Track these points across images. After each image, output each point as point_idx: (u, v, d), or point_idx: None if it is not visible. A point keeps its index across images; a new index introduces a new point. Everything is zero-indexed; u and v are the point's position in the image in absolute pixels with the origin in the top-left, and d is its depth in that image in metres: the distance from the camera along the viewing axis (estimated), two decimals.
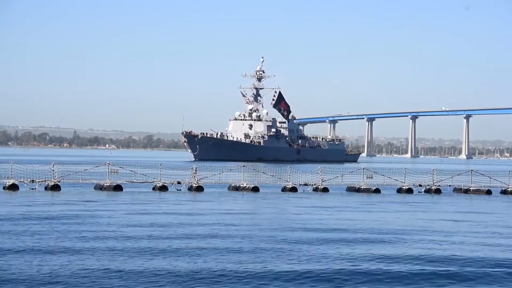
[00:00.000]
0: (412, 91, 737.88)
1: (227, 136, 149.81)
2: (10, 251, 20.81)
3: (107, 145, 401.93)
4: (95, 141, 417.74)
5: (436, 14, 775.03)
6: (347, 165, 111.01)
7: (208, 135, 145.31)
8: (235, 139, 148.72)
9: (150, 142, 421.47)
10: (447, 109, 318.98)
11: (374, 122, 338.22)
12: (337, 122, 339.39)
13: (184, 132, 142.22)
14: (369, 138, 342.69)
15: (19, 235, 24.21)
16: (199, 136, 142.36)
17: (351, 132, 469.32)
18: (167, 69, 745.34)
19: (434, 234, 27.68)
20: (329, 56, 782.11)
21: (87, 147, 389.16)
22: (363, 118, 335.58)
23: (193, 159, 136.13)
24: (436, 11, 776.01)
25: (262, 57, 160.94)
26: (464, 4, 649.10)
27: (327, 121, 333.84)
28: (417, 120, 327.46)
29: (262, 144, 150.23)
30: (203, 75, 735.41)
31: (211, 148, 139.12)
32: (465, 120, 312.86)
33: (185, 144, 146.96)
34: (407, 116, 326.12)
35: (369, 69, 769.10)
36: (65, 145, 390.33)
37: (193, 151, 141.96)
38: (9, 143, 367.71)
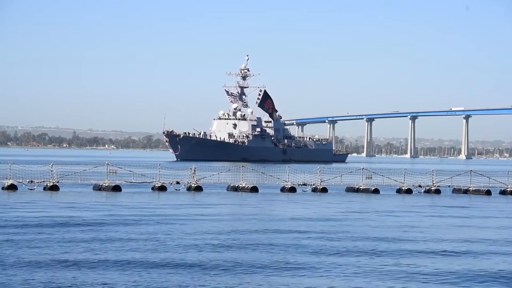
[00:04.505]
0: (412, 91, 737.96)
1: (211, 136, 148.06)
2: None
3: (106, 146, 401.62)
4: (95, 141, 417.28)
5: (436, 14, 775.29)
6: (335, 165, 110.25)
7: (190, 135, 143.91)
8: (219, 139, 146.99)
9: (150, 143, 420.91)
10: (447, 109, 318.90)
11: (373, 123, 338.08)
12: (336, 122, 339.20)
13: (166, 132, 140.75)
14: (368, 138, 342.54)
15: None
16: (181, 136, 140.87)
17: (350, 133, 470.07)
18: (166, 69, 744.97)
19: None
20: (328, 56, 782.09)
21: (87, 147, 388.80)
22: (363, 119, 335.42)
23: (175, 159, 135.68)
24: (436, 11, 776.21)
25: (247, 55, 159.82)
26: (464, 4, 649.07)
27: (326, 121, 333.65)
28: (416, 120, 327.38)
29: (246, 144, 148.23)
30: (189, 74, 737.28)
31: (193, 148, 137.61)
32: (464, 121, 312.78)
33: (167, 144, 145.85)
34: (407, 116, 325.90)
35: (369, 69, 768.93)
36: (65, 145, 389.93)
37: (174, 151, 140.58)
38: (8, 143, 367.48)
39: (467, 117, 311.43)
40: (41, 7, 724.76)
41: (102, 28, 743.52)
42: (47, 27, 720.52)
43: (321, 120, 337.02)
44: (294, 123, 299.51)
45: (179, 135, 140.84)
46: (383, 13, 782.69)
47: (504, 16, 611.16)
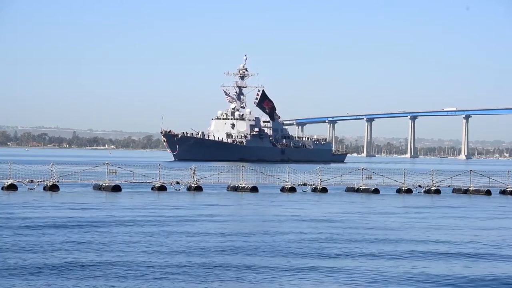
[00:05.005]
0: (412, 91, 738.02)
1: (209, 136, 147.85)
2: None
3: (106, 146, 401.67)
4: (95, 141, 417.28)
5: (436, 14, 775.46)
6: (334, 165, 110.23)
7: (188, 135, 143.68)
8: (217, 139, 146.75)
9: (150, 143, 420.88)
10: (447, 109, 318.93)
11: (373, 123, 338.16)
12: (336, 122, 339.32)
13: (163, 132, 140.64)
14: (368, 138, 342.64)
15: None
16: (179, 136, 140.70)
17: (350, 133, 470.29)
18: (166, 69, 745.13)
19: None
20: (328, 56, 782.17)
21: (87, 147, 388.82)
22: (363, 119, 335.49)
23: (173, 159, 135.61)
24: (436, 11, 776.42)
25: (245, 55, 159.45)
26: (464, 4, 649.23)
27: (326, 121, 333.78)
28: (416, 120, 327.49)
29: (244, 143, 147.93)
30: (188, 74, 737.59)
31: (191, 148, 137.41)
32: (464, 121, 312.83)
33: (165, 143, 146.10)
34: (407, 116, 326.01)
35: (369, 69, 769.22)
36: (65, 145, 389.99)
37: (172, 150, 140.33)
38: (8, 143, 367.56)
39: (467, 117, 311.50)
40: (41, 7, 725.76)
41: (102, 28, 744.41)
42: (47, 27, 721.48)
43: (321, 120, 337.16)
44: (294, 123, 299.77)
45: (177, 135, 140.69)
46: (383, 13, 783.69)
47: (504, 16, 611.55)
